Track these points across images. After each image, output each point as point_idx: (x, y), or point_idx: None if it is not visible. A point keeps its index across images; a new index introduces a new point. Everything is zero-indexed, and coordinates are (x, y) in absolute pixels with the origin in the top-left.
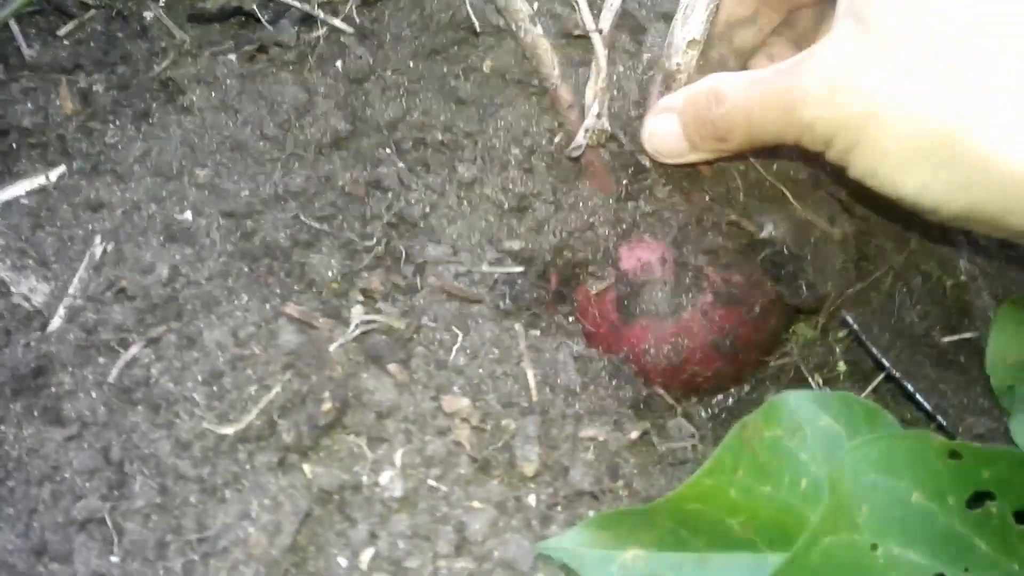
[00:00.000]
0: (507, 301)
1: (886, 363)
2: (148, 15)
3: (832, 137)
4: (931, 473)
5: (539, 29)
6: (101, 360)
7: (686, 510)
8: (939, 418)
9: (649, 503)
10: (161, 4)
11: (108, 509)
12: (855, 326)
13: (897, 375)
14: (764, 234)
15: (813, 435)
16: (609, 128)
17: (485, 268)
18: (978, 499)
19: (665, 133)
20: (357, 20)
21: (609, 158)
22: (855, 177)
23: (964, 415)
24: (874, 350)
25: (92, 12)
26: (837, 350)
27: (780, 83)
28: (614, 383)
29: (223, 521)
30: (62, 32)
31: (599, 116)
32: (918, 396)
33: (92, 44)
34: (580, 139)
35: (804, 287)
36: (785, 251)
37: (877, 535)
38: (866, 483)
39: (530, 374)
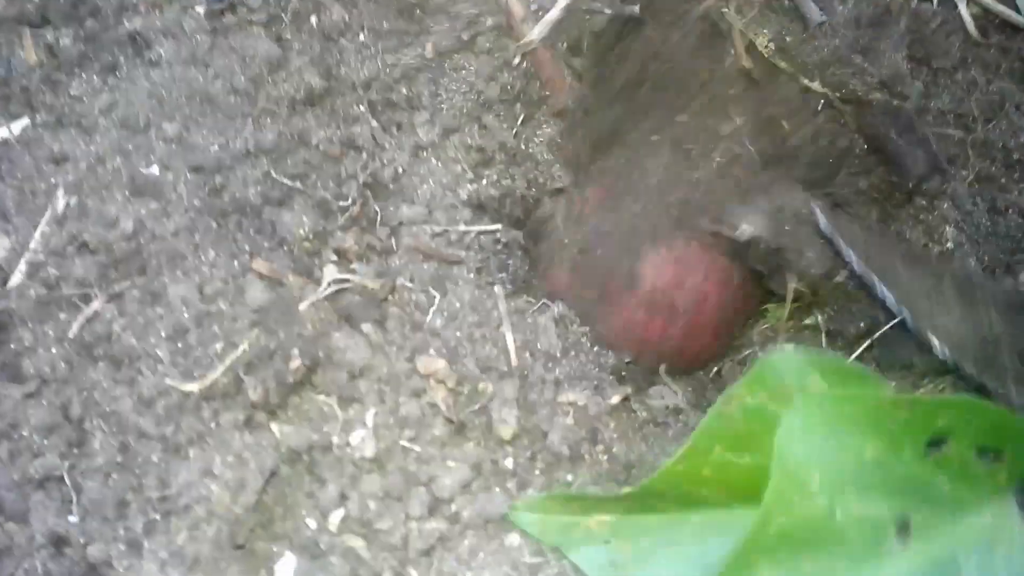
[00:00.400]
0: (485, 262)
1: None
2: None
3: None
4: (884, 426)
5: None
6: (62, 316)
7: (654, 490)
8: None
9: (628, 467)
10: None
11: (67, 467)
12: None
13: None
14: (742, 235)
15: (789, 414)
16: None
17: (462, 228)
18: (935, 444)
19: None
20: None
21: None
22: None
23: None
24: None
25: None
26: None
27: None
28: (595, 348)
29: (185, 479)
30: None
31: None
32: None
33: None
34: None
35: (792, 277)
36: (763, 247)
37: (833, 496)
38: (814, 446)
39: (509, 337)
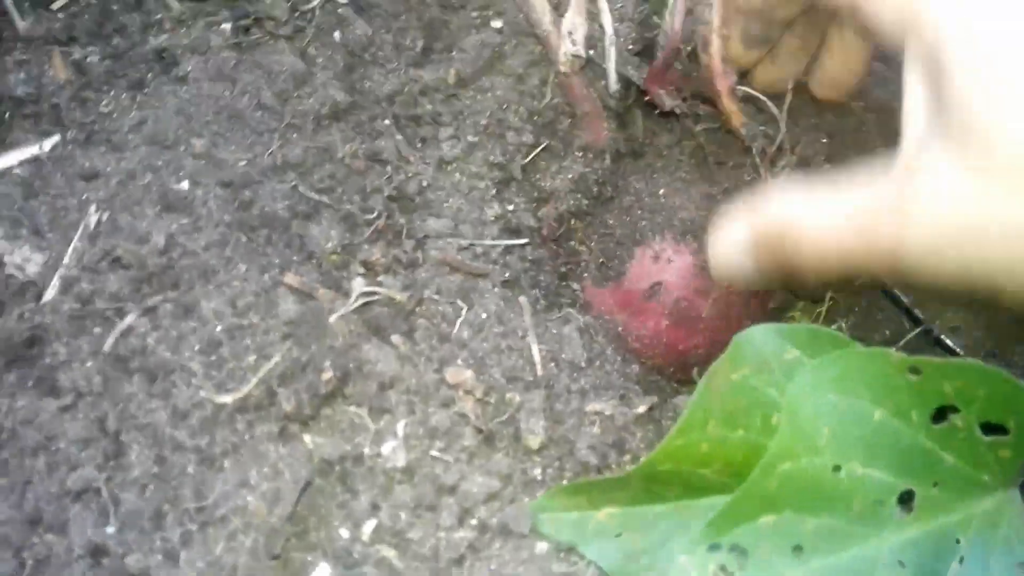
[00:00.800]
0: (511, 275)
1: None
2: None
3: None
4: (892, 390)
5: None
6: (96, 330)
7: (658, 471)
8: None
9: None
10: None
11: (104, 479)
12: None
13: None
14: None
15: (780, 369)
16: (583, 53)
17: (488, 242)
18: (942, 414)
19: (735, 265)
20: None
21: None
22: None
23: None
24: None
25: None
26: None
27: (883, 233)
28: (620, 358)
29: (221, 490)
30: (56, 6)
31: (574, 42)
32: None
33: (86, 16)
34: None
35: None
36: None
37: (839, 456)
38: (825, 404)
39: (535, 348)
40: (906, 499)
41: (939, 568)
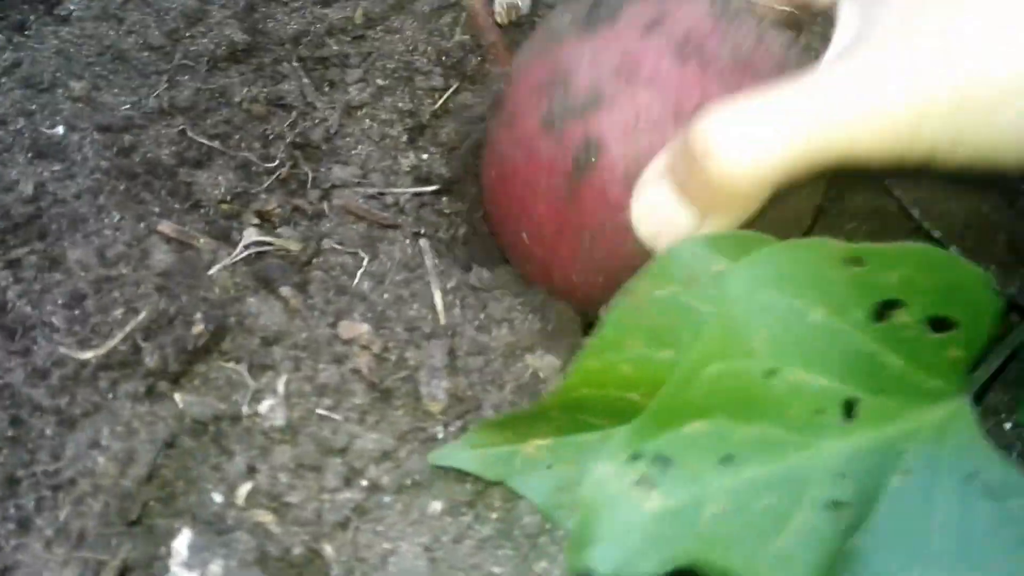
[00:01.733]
0: (422, 226)
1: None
2: None
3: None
4: (832, 285)
5: None
6: None
7: (579, 397)
8: None
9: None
10: None
11: None
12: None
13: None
14: None
15: (711, 283)
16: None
17: (397, 190)
18: (886, 309)
19: (659, 207)
20: None
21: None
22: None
23: None
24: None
25: None
26: None
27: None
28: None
29: (72, 452)
30: None
31: None
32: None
33: None
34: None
35: None
36: None
37: (775, 360)
38: (759, 303)
39: (437, 297)
40: (849, 407)
41: (882, 480)
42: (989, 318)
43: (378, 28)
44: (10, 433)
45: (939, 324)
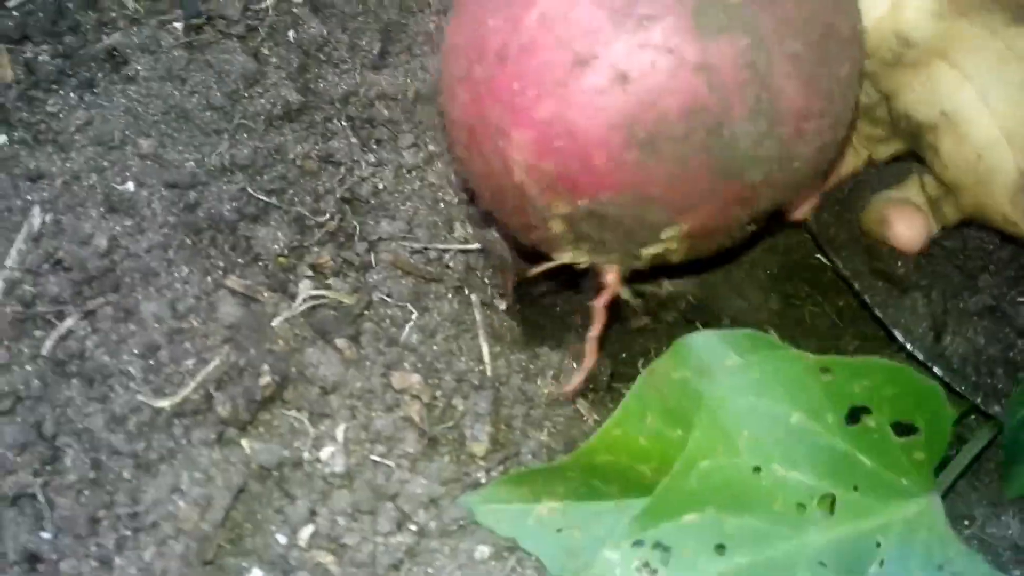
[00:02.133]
0: (467, 279)
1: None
2: None
3: None
4: (808, 392)
5: None
6: (37, 333)
7: (597, 463)
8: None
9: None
10: None
11: (39, 485)
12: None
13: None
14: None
15: (722, 375)
16: None
17: (442, 246)
18: (856, 415)
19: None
20: None
21: None
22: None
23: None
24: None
25: None
26: None
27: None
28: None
29: (154, 496)
30: (12, 3)
31: None
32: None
33: (41, 14)
34: None
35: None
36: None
37: (758, 458)
38: (744, 405)
39: (485, 350)
40: (827, 502)
41: (860, 569)
42: (947, 425)
43: (427, 107)
44: (91, 475)
45: (903, 429)
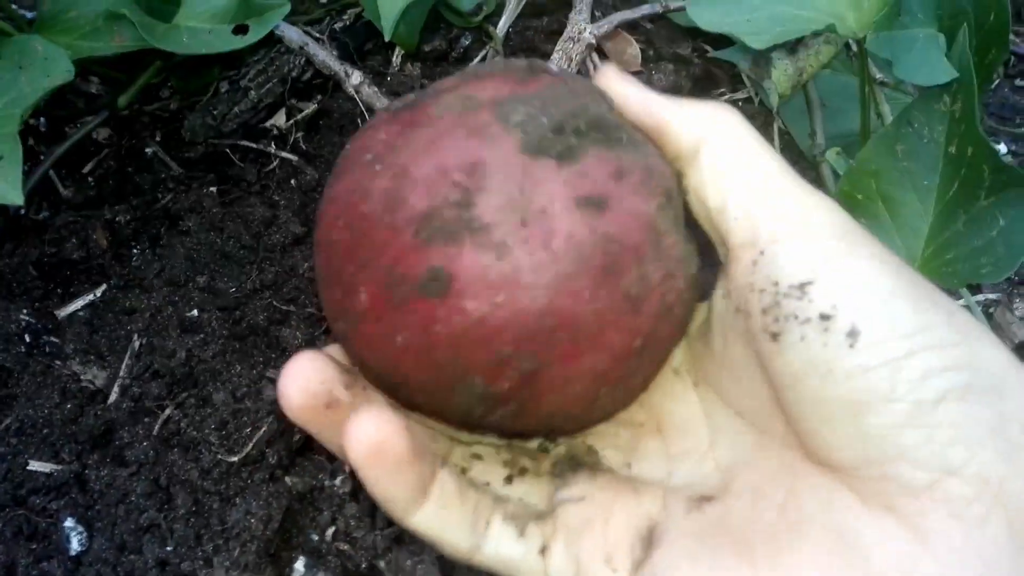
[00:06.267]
0: None
1: None
2: (149, 150)
3: None
4: None
5: None
6: (147, 420)
7: None
8: None
9: None
10: (158, 140)
11: (162, 518)
12: None
13: None
14: None
15: None
16: None
17: None
18: None
19: None
20: (303, 147)
21: None
22: None
23: None
24: None
25: (105, 150)
26: None
27: None
28: None
29: (235, 517)
30: (86, 169)
31: None
32: None
33: (110, 181)
34: None
35: None
36: None
37: None
38: None
39: None
40: None
41: None
42: None
43: None
44: (193, 509)
45: None
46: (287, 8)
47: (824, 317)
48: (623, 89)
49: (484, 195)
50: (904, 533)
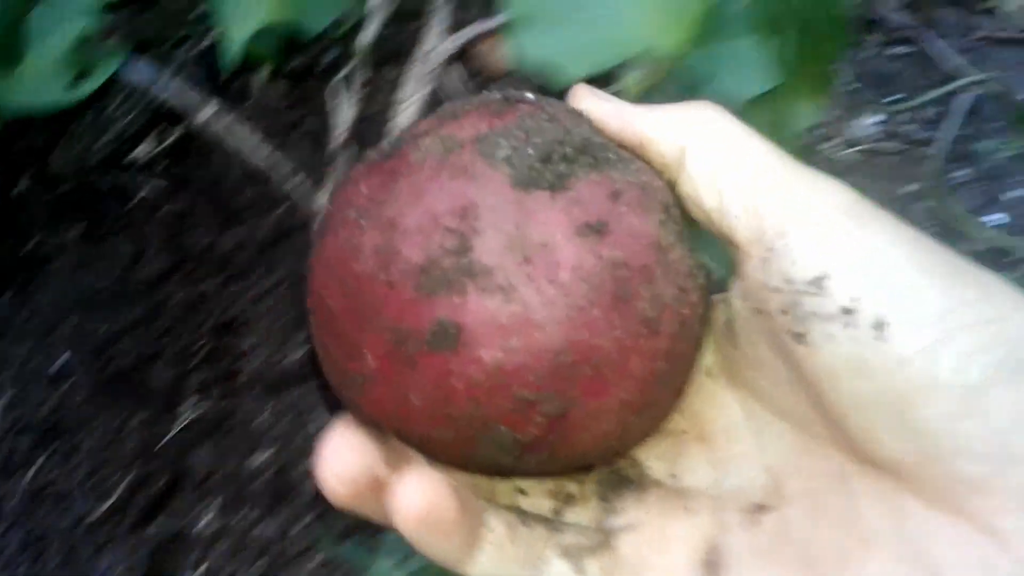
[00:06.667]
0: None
1: None
2: (15, 191)
3: None
4: None
5: None
6: (17, 473)
7: None
8: None
9: None
10: (30, 176)
11: (36, 571)
12: None
13: None
14: None
15: None
16: None
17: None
18: None
19: None
20: (173, 171)
21: None
22: None
23: None
24: None
25: None
26: None
27: None
28: None
29: (104, 566)
30: None
31: None
32: None
33: None
34: None
35: None
36: None
37: None
38: None
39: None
40: None
41: None
42: None
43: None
44: (65, 560)
45: None
46: (123, 57)
47: (846, 311)
48: (598, 107)
49: (480, 237)
50: (978, 536)
